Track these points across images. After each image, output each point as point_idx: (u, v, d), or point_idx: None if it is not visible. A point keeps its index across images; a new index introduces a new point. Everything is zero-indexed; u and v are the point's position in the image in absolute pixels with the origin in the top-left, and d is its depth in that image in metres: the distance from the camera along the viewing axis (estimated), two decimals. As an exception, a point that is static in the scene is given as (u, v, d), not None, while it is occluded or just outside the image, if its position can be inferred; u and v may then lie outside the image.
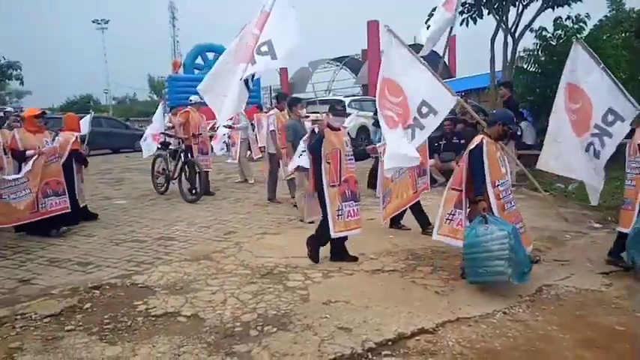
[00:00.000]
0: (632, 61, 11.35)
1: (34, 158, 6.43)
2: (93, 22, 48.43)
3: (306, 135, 6.25)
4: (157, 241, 6.30)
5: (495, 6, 11.29)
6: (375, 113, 15.41)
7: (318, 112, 15.18)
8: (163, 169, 9.72)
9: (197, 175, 8.93)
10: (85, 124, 8.44)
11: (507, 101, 9.45)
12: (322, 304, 4.15)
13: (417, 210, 6.41)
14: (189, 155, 9.17)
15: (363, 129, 15.22)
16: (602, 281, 4.57)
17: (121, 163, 15.76)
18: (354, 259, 5.27)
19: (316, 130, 5.44)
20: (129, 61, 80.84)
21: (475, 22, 11.54)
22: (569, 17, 10.94)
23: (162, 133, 9.73)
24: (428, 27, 9.12)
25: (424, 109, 4.86)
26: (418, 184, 6.29)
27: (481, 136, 4.64)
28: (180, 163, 9.19)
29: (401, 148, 4.65)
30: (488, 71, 12.27)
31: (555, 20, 11.19)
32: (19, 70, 25.88)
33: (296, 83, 32.21)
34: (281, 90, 32.07)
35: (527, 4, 11.35)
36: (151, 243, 6.21)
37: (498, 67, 11.93)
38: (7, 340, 3.64)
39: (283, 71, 30.48)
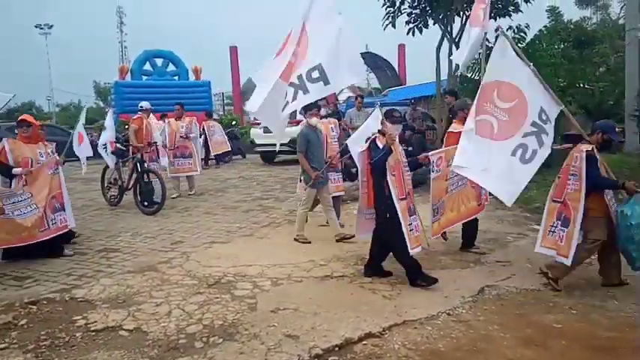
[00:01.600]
0: (570, 70, 11.96)
1: (24, 173, 5.75)
2: (36, 26, 46.41)
3: (362, 146, 5.15)
4: (99, 253, 6.07)
5: (440, 17, 11.63)
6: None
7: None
8: (115, 179, 9.03)
9: (148, 184, 8.45)
10: None
11: (453, 108, 9.72)
12: (270, 312, 4.11)
13: (472, 225, 5.76)
14: (144, 164, 8.64)
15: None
16: (542, 280, 4.75)
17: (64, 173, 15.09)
18: (389, 273, 4.97)
19: (378, 143, 4.82)
20: (74, 66, 77.82)
21: (421, 31, 11.84)
22: (510, 27, 11.40)
23: (115, 141, 9.22)
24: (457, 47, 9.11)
25: (543, 116, 4.56)
26: (482, 195, 5.68)
27: (586, 145, 4.51)
28: (136, 173, 8.55)
29: (496, 164, 4.44)
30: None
31: (496, 30, 11.62)
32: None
33: (248, 90, 31.97)
34: (232, 96, 31.83)
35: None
36: (92, 255, 5.97)
37: (444, 75, 12.28)
38: None
39: (235, 78, 30.20)
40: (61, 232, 5.95)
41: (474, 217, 5.67)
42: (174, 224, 7.51)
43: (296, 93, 5.04)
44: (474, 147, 4.52)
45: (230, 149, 15.13)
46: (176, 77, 25.14)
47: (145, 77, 24.15)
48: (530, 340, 3.63)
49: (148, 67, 24.98)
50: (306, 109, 6.15)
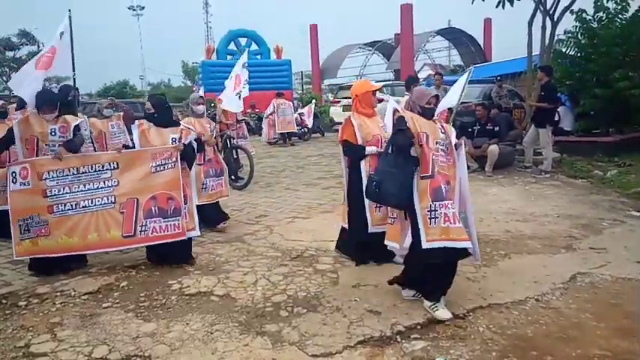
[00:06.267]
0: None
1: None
2: (129, 8, 49.22)
3: None
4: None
5: (533, -13, 10.95)
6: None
7: (350, 98, 15.14)
8: None
9: (237, 160, 8.77)
10: None
11: (545, 86, 9.20)
12: (352, 287, 4.18)
13: None
14: (232, 141, 8.95)
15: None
16: (641, 270, 4.43)
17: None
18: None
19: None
20: (163, 47, 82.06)
21: (512, 3, 11.20)
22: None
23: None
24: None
25: None
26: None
27: None
28: (226, 150, 8.80)
29: None
30: (525, 55, 11.95)
31: (596, 1, 10.77)
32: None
33: (327, 69, 32.09)
34: (311, 74, 32.12)
35: (567, -15, 10.95)
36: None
37: (536, 50, 11.59)
38: (47, 316, 3.81)
39: (314, 56, 30.39)
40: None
41: None
42: (257, 199, 7.79)
43: None
44: None
45: (295, 130, 15.57)
46: (258, 56, 25.70)
47: (229, 57, 24.89)
48: (626, 332, 3.41)
49: (232, 46, 25.72)
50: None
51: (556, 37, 11.49)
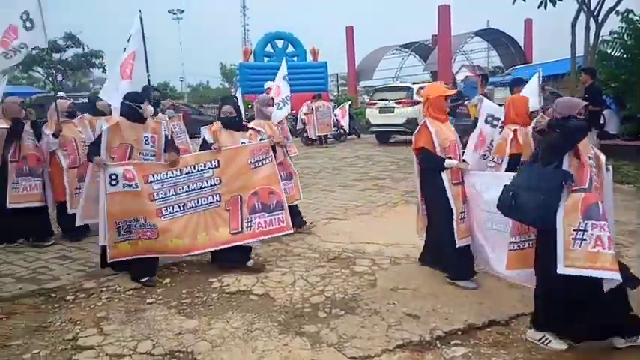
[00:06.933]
0: None
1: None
2: (169, 12, 50.36)
3: None
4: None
5: (578, -13, 10.63)
6: (453, 101, 14.99)
7: (387, 100, 15.09)
8: None
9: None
10: None
11: (589, 88, 8.92)
12: (390, 290, 4.16)
13: None
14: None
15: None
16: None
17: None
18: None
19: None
20: (201, 49, 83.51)
21: (554, 4, 10.91)
22: None
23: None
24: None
25: None
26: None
27: None
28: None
29: None
30: (568, 56, 11.61)
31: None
32: (102, 59, 27.56)
33: (363, 70, 32.00)
34: (347, 76, 32.11)
35: (613, -15, 10.59)
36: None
37: (579, 52, 11.25)
38: (94, 310, 3.95)
39: (350, 58, 30.37)
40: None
41: None
42: (294, 200, 7.83)
43: None
44: None
45: (332, 133, 15.89)
46: (295, 58, 25.88)
47: (266, 59, 25.14)
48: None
49: (269, 48, 25.98)
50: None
51: (600, 38, 11.12)
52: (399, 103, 14.64)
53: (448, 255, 4.25)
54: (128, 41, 5.37)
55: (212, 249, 4.65)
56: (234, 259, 4.69)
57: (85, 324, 3.69)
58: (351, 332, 3.45)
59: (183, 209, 4.53)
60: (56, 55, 28.33)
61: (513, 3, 11.14)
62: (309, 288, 4.25)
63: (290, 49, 26.11)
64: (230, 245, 4.59)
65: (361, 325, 3.57)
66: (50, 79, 38.37)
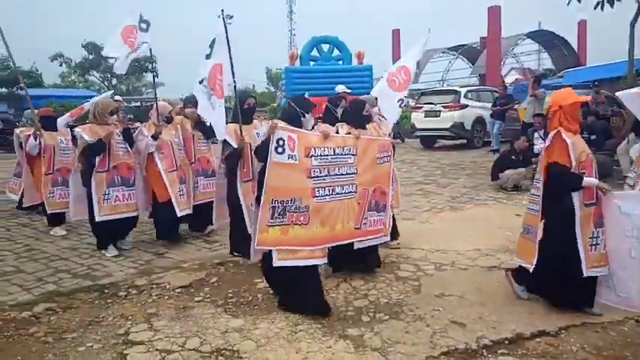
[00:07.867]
0: None
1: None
2: (218, 17, 51.37)
3: None
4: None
5: (638, -14, 10.18)
6: (494, 105, 14.64)
7: (432, 103, 14.90)
8: None
9: None
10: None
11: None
12: (435, 297, 4.12)
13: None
14: None
15: (479, 120, 14.58)
16: None
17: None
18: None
19: None
20: (247, 53, 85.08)
21: (612, 4, 10.49)
22: None
23: None
24: None
25: None
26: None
27: None
28: None
29: None
30: (624, 59, 11.14)
31: None
32: (154, 64, 28.56)
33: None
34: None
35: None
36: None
37: (638, 54, 10.78)
38: (145, 306, 4.09)
39: (396, 60, 30.15)
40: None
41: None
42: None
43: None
44: None
45: None
46: (340, 62, 25.92)
47: (312, 63, 25.31)
48: None
49: (315, 53, 26.15)
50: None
51: (662, 40, 10.62)
52: (446, 107, 14.44)
53: (566, 284, 3.76)
54: (210, 47, 5.33)
55: (342, 242, 4.09)
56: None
57: (136, 319, 3.83)
58: (394, 337, 3.44)
59: (332, 193, 3.93)
60: (111, 60, 29.55)
61: (568, 4, 10.80)
62: (352, 292, 4.25)
63: (335, 52, 26.19)
64: (348, 242, 4.15)
65: (405, 330, 3.55)
66: (105, 83, 40.05)
